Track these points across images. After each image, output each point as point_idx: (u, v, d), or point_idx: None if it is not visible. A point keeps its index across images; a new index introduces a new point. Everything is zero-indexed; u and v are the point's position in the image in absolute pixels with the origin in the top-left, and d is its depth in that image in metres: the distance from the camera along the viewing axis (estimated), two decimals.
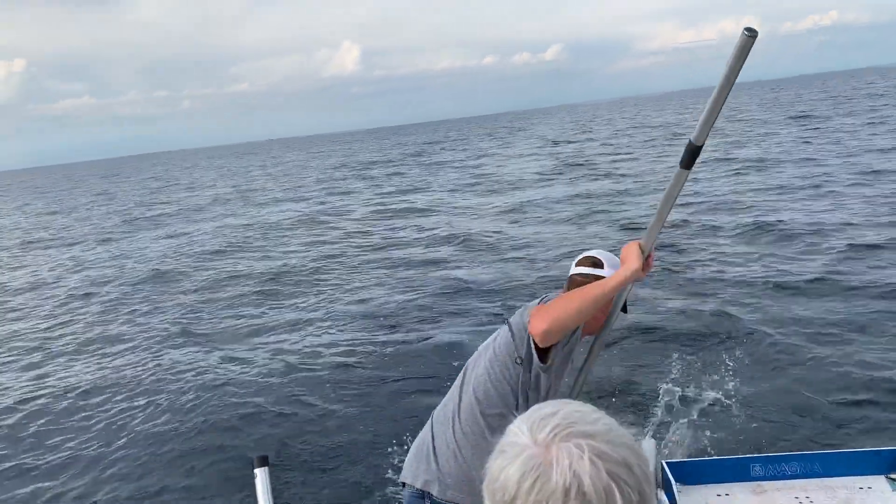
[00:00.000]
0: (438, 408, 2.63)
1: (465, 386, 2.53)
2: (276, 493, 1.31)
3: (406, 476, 2.57)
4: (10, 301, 14.64)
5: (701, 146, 2.03)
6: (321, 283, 12.89)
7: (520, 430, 0.87)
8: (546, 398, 2.43)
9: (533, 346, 2.35)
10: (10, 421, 7.74)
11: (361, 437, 6.03)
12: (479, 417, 2.44)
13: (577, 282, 2.50)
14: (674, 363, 6.77)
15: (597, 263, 2.52)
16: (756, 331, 7.50)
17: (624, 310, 2.55)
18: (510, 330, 2.46)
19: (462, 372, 2.60)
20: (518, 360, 2.39)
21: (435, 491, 2.45)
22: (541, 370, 2.37)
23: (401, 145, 77.69)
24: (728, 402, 5.85)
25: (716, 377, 6.29)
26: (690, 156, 2.05)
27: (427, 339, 8.66)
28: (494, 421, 2.41)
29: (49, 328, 11.88)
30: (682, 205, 14.67)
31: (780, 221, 12.78)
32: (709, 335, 7.60)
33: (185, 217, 27.06)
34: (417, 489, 2.50)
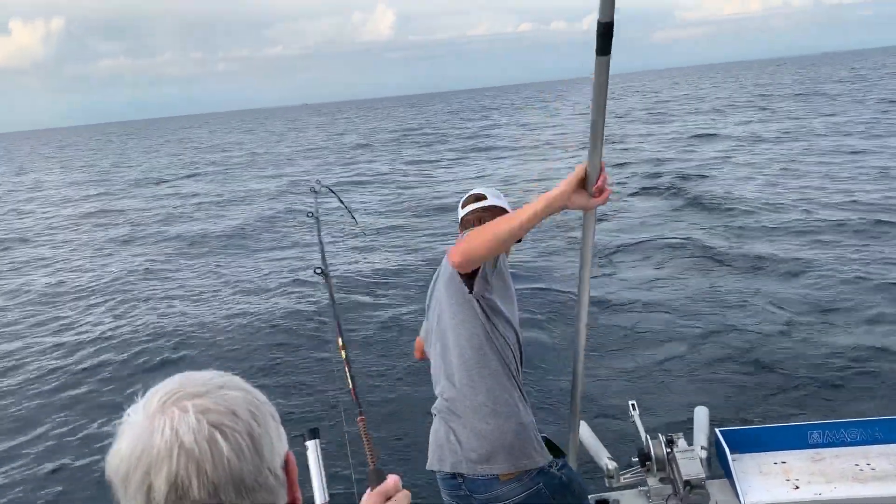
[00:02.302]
0: (436, 391, 2.54)
1: (446, 352, 2.45)
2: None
3: (433, 463, 2.48)
4: None
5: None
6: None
7: (133, 410, 0.87)
8: (514, 327, 2.43)
9: (460, 276, 2.33)
10: None
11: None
12: (473, 375, 2.37)
13: (468, 221, 2.54)
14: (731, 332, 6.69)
15: (479, 197, 2.58)
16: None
17: None
18: (448, 272, 2.43)
19: (434, 347, 2.53)
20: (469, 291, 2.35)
21: (464, 469, 2.36)
22: (475, 297, 2.34)
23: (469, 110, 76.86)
24: (782, 369, 5.79)
25: (767, 345, 6.23)
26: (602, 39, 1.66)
27: None
28: (486, 371, 2.36)
29: None
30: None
31: None
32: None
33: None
34: (447, 473, 2.42)
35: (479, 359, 2.36)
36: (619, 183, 16.86)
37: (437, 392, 2.52)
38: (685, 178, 16.89)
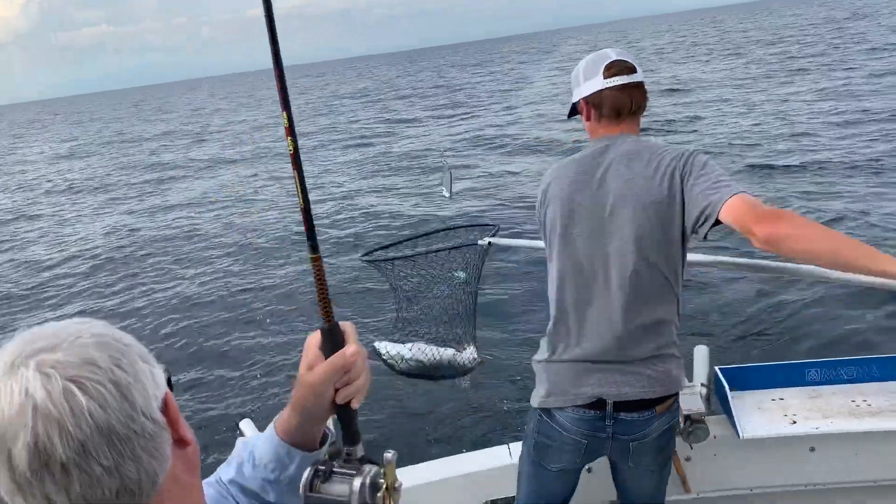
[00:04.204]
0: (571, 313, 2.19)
1: (619, 264, 2.09)
2: None
3: (566, 398, 2.19)
4: None
5: None
6: None
7: None
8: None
9: (707, 224, 1.96)
10: None
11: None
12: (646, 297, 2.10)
13: (617, 100, 2.14)
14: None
15: (629, 68, 2.15)
16: None
17: None
18: (677, 193, 2.01)
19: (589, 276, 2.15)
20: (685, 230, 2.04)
21: (627, 394, 2.13)
22: (688, 239, 2.08)
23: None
24: (780, 311, 5.85)
25: (767, 286, 6.29)
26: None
27: None
28: (660, 300, 2.13)
29: None
30: None
31: None
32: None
33: None
34: (588, 408, 2.17)
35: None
36: None
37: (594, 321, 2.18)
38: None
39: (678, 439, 2.54)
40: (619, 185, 2.07)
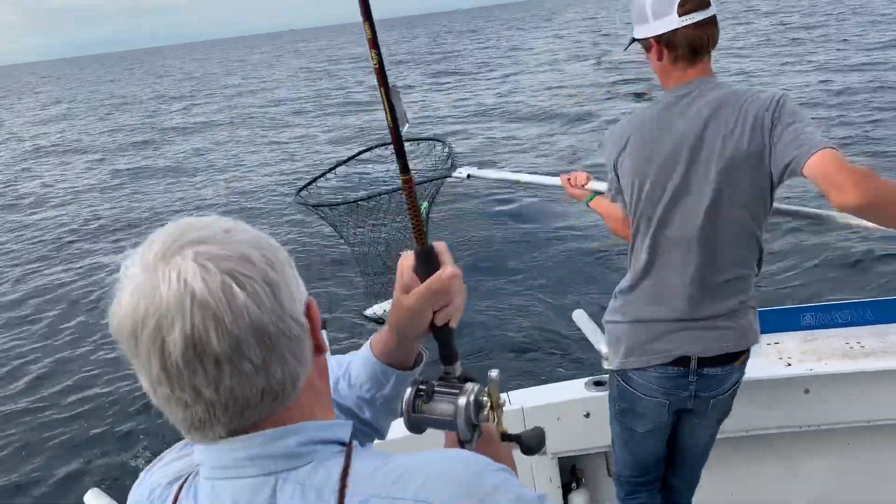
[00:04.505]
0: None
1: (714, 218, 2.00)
2: None
3: (646, 358, 2.14)
4: None
5: None
6: None
7: (131, 261, 0.78)
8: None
9: (790, 177, 1.91)
10: None
11: None
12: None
13: (694, 38, 1.98)
14: None
15: (706, 3, 1.99)
16: None
17: None
18: (766, 145, 1.92)
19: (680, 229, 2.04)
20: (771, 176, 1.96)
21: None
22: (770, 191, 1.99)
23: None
24: (776, 257, 5.88)
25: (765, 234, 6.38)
26: None
27: None
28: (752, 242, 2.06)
29: None
30: None
31: None
32: None
33: None
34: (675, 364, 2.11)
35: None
36: None
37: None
38: None
39: None
40: (707, 138, 1.97)
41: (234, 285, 0.75)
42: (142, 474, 0.95)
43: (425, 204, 2.95)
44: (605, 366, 2.42)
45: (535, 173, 2.78)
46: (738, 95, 1.98)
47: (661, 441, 2.34)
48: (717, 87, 2.02)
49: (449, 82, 27.95)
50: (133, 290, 0.76)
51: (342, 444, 0.85)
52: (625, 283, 2.21)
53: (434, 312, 1.04)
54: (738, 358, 2.15)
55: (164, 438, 5.49)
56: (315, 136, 18.85)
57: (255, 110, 26.05)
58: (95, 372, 6.86)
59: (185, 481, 0.88)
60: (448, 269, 1.02)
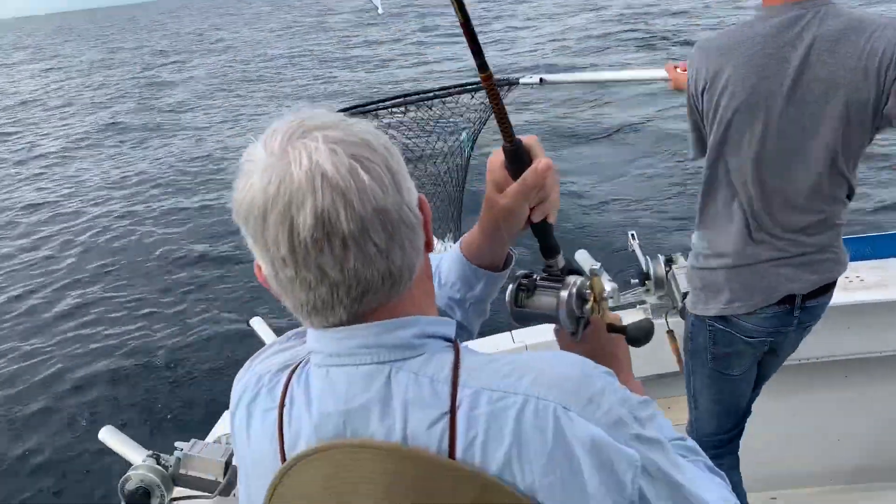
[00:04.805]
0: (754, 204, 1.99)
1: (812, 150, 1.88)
2: None
3: (756, 301, 2.08)
4: None
5: None
6: None
7: (254, 149, 0.80)
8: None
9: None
10: None
11: None
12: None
13: None
14: None
15: None
16: None
17: None
18: (889, 90, 1.76)
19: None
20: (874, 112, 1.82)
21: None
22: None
23: None
24: None
25: None
26: None
27: None
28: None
29: None
30: None
31: None
32: None
33: None
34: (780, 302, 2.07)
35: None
36: None
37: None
38: None
39: (675, 318, 2.63)
40: (822, 75, 1.78)
41: (360, 168, 0.77)
42: (247, 363, 0.98)
43: (465, 135, 2.68)
44: (696, 311, 2.23)
45: (626, 69, 2.47)
46: (865, 26, 1.76)
47: (751, 383, 2.32)
48: (839, 13, 1.79)
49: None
50: (263, 171, 0.77)
51: (448, 340, 0.88)
52: (711, 226, 2.12)
53: (531, 209, 1.02)
54: (835, 285, 2.16)
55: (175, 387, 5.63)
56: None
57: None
58: (114, 316, 7.02)
59: (295, 368, 0.91)
60: (542, 160, 0.98)
